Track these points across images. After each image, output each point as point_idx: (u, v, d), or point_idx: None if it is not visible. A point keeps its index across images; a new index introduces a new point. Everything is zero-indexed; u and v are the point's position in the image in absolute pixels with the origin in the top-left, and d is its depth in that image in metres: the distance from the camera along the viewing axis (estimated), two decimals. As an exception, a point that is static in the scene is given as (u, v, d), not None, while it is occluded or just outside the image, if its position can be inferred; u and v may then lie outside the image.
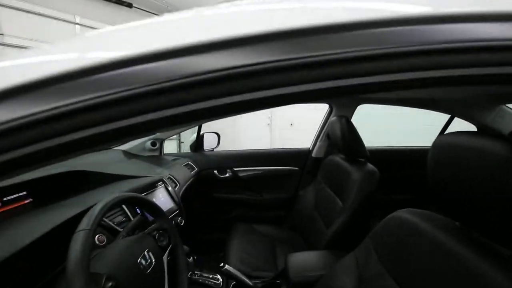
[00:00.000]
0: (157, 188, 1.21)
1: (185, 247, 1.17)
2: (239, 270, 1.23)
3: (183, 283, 0.79)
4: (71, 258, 0.49)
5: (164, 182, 1.27)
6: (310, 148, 1.94)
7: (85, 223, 0.55)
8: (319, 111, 2.08)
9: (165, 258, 0.77)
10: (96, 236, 0.84)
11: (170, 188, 1.29)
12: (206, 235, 2.01)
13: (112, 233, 0.86)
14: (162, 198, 1.20)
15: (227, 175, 1.90)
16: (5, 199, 0.90)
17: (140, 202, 0.76)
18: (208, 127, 2.09)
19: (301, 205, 1.75)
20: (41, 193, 0.99)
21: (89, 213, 0.58)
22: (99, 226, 0.89)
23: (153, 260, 0.69)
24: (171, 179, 1.43)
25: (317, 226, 1.44)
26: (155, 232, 0.78)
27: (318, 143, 1.89)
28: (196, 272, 1.21)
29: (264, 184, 1.92)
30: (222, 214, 1.98)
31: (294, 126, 5.02)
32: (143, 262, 0.66)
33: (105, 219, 0.88)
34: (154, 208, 0.82)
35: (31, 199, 0.97)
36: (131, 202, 0.72)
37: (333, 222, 1.26)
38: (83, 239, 0.52)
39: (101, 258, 0.61)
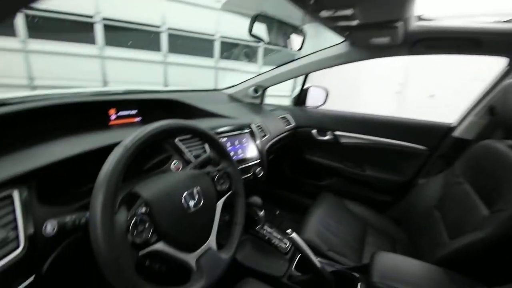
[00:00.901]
0: (242, 132, 1.14)
1: (257, 199, 1.09)
2: (312, 244, 1.06)
3: (234, 237, 0.70)
4: (102, 170, 0.45)
5: (251, 129, 1.19)
6: (454, 125, 1.37)
7: (129, 140, 0.50)
8: (481, 82, 1.31)
9: (219, 203, 0.69)
10: (172, 163, 0.86)
11: (256, 136, 1.19)
12: (288, 196, 1.90)
13: (187, 164, 0.86)
14: (245, 144, 1.12)
15: (327, 137, 1.64)
16: (119, 113, 1.04)
17: (202, 136, 0.68)
18: (319, 82, 1.83)
19: (417, 197, 1.32)
20: (147, 113, 1.11)
21: (138, 130, 0.52)
22: (178, 153, 0.92)
23: (201, 201, 0.61)
24: (260, 127, 1.33)
25: (434, 230, 1.03)
26: (215, 173, 0.70)
27: (469, 118, 1.29)
28: (266, 227, 1.13)
29: (370, 157, 1.55)
30: (311, 179, 1.79)
31: (436, 98, 3.85)
32: (188, 198, 0.59)
33: (183, 148, 0.88)
34: (219, 147, 0.72)
35: (140, 118, 1.10)
36: (190, 132, 0.64)
37: (463, 234, 0.84)
38: (119, 155, 0.47)
39: (149, 183, 0.57)
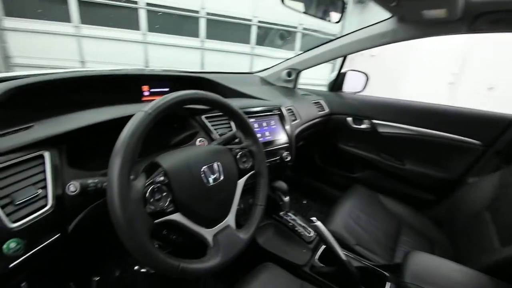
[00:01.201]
0: (271, 114, 1.09)
1: (283, 184, 1.05)
2: (338, 236, 1.00)
3: (254, 218, 0.67)
4: (121, 134, 0.45)
5: (280, 111, 1.13)
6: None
7: (149, 106, 0.49)
8: None
9: (241, 182, 0.66)
10: (198, 140, 0.85)
11: (286, 120, 1.14)
12: (317, 186, 1.82)
13: (212, 141, 0.84)
14: (273, 126, 1.08)
15: (363, 126, 1.52)
16: (152, 90, 1.06)
17: (226, 110, 0.64)
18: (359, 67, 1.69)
19: (465, 197, 1.17)
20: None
21: (160, 98, 0.51)
22: (204, 130, 0.91)
23: (221, 176, 0.59)
24: (291, 111, 1.27)
25: (483, 235, 0.91)
26: (238, 150, 0.67)
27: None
28: (290, 214, 1.09)
29: (412, 150, 1.41)
30: (343, 169, 1.69)
31: (496, 91, 3.37)
32: (208, 172, 0.57)
33: (209, 125, 0.87)
34: (243, 123, 0.69)
35: None
36: (213, 104, 0.61)
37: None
38: (139, 119, 0.46)
39: (170, 154, 0.56)
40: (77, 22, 4.18)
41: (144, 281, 1.13)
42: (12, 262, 0.44)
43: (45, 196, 0.50)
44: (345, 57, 1.54)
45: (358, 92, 1.66)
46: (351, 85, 1.68)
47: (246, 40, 5.43)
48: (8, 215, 0.44)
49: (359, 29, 1.32)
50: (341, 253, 0.80)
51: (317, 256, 0.95)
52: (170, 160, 0.54)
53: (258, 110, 1.04)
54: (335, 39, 1.42)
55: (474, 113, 1.26)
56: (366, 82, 1.68)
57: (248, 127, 0.70)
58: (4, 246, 0.43)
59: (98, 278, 1.08)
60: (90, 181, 0.47)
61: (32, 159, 0.51)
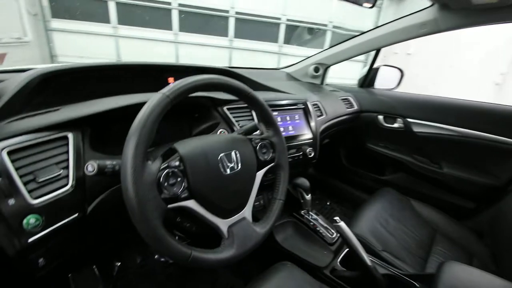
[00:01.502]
0: (296, 107, 1.05)
1: (305, 181, 1.01)
2: (363, 240, 0.93)
3: (273, 212, 0.64)
4: (137, 116, 0.44)
5: (306, 105, 1.09)
6: None
7: (167, 88, 0.47)
8: None
9: (260, 174, 0.63)
10: (219, 131, 0.84)
11: (311, 115, 1.09)
12: (343, 188, 1.73)
13: (232, 131, 0.83)
14: (297, 121, 1.04)
15: (396, 125, 1.41)
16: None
17: (246, 98, 0.62)
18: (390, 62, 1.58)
19: (512, 206, 1.03)
20: None
21: (179, 81, 0.50)
22: (225, 121, 0.89)
23: (239, 166, 0.57)
24: (317, 106, 1.21)
25: None
26: (258, 141, 0.64)
27: None
28: (312, 213, 1.04)
29: (451, 153, 1.28)
30: (372, 171, 1.58)
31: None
32: (225, 160, 0.55)
33: (230, 117, 0.85)
34: (264, 113, 0.66)
35: None
36: (232, 90, 0.59)
37: None
38: (156, 101, 0.45)
39: (188, 141, 0.55)
40: (115, 23, 4.44)
41: (164, 270, 1.14)
42: (31, 237, 0.45)
43: (67, 176, 0.51)
44: (378, 51, 1.45)
45: (393, 89, 1.56)
46: (383, 82, 1.58)
47: (273, 39, 5.40)
48: (30, 191, 0.46)
49: (394, 20, 1.23)
50: (366, 257, 0.73)
51: (339, 259, 0.89)
52: (187, 146, 0.53)
53: (282, 104, 1.00)
54: (367, 31, 1.34)
55: None
56: (400, 79, 1.57)
57: (269, 117, 0.67)
58: (24, 221, 0.44)
59: (120, 264, 1.12)
60: (108, 162, 0.47)
61: (56, 139, 0.52)
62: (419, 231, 1.09)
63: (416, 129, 1.35)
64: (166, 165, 0.47)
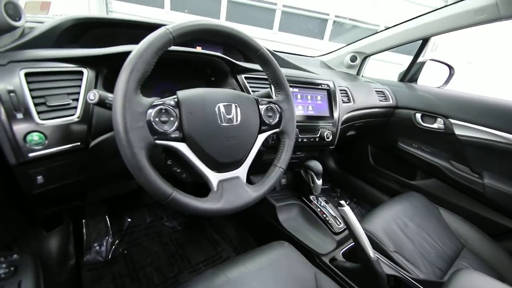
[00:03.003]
0: (319, 88, 0.99)
1: (318, 164, 0.95)
2: (374, 237, 0.86)
3: (269, 178, 0.60)
4: (136, 47, 0.44)
5: (330, 87, 1.02)
6: None
7: (172, 25, 0.47)
8: None
9: (261, 136, 0.60)
10: None
11: (336, 98, 1.02)
12: (365, 188, 1.61)
13: None
14: (318, 101, 0.98)
15: (435, 125, 1.27)
16: (203, 50, 1.08)
17: (257, 55, 0.59)
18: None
19: None
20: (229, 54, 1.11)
21: (185, 21, 0.49)
22: (240, 89, 0.87)
23: (237, 121, 0.55)
24: (345, 92, 1.14)
25: None
26: (264, 102, 0.62)
27: None
28: (321, 199, 0.99)
29: (496, 162, 1.11)
30: (400, 174, 1.45)
31: None
32: (223, 110, 0.53)
33: (247, 85, 0.83)
34: (276, 75, 0.62)
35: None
36: (241, 44, 0.56)
37: None
38: (157, 34, 0.45)
39: (190, 89, 0.54)
40: (168, 9, 4.69)
41: (170, 234, 1.18)
42: (32, 153, 0.48)
43: (75, 107, 0.54)
44: (424, 42, 1.30)
45: (440, 87, 1.40)
46: (429, 78, 1.43)
47: (318, 35, 5.25)
48: (38, 112, 0.49)
49: (444, 6, 1.09)
50: (370, 249, 0.67)
51: (342, 251, 0.83)
52: (186, 91, 0.52)
53: (303, 81, 0.95)
54: (413, 18, 1.22)
55: None
56: (450, 76, 1.41)
57: (280, 80, 0.63)
58: (28, 137, 0.47)
59: (130, 220, 1.18)
60: (110, 95, 0.48)
61: (72, 72, 0.55)
62: (443, 241, 0.97)
63: (458, 131, 1.19)
64: (161, 102, 0.47)
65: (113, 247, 1.06)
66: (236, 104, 0.55)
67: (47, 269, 0.86)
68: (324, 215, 0.92)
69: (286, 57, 1.19)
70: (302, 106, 0.94)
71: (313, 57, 1.71)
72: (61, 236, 0.91)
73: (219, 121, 0.52)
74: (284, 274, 0.64)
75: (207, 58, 0.80)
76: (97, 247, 1.04)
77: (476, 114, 1.14)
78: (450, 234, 1.01)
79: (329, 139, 0.95)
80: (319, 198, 0.98)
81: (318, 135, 0.95)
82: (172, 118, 0.47)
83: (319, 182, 0.94)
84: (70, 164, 0.56)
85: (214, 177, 0.53)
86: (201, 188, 0.55)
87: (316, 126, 0.95)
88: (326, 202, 0.98)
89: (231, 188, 0.54)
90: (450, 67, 1.40)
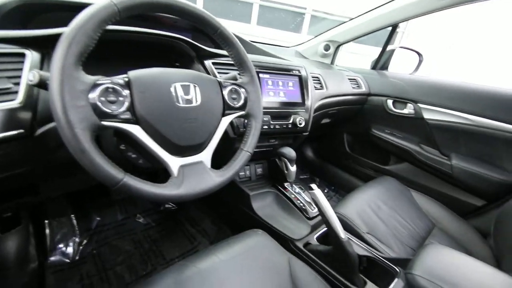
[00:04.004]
0: (291, 74, 0.98)
1: (291, 151, 0.94)
2: (348, 220, 0.86)
3: (236, 163, 0.58)
4: (76, 17, 0.40)
5: (301, 74, 1.01)
6: None
7: None
8: None
9: (225, 119, 0.58)
10: None
11: (308, 85, 1.01)
12: (342, 176, 1.64)
13: None
14: (290, 88, 0.97)
15: (406, 111, 1.30)
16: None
17: (218, 34, 0.56)
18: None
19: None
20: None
21: None
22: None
23: (197, 102, 0.52)
24: (317, 78, 1.14)
25: None
26: (228, 84, 0.59)
27: None
28: (295, 186, 0.99)
29: (464, 144, 1.15)
30: (374, 160, 1.48)
31: None
32: (180, 91, 0.49)
33: (215, 71, 0.80)
34: (239, 56, 0.60)
35: None
36: (198, 21, 0.53)
37: None
38: (100, 5, 0.41)
39: (143, 69, 0.50)
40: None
41: (143, 231, 1.13)
42: None
43: (17, 92, 0.49)
44: (393, 29, 1.33)
45: (410, 73, 1.44)
46: (399, 65, 1.46)
47: (297, 29, 5.26)
48: None
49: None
50: (341, 231, 0.66)
51: (316, 235, 0.82)
52: (139, 71, 0.48)
53: (274, 67, 0.93)
54: (382, 5, 1.23)
55: None
56: (419, 63, 1.45)
57: (244, 60, 0.61)
58: None
59: (99, 219, 1.12)
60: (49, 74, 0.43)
61: (13, 54, 0.50)
62: (415, 221, 1.00)
63: (427, 116, 1.23)
64: (108, 80, 0.43)
65: (81, 247, 1.00)
66: (195, 85, 0.52)
67: (4, 272, 0.79)
68: (298, 201, 0.91)
69: (260, 46, 1.17)
70: (274, 92, 0.92)
71: (288, 47, 1.70)
72: (19, 238, 0.85)
73: (175, 102, 0.49)
74: (257, 262, 0.62)
75: (171, 41, 0.76)
76: (63, 248, 0.98)
77: (443, 98, 1.17)
78: (421, 215, 1.04)
79: (301, 125, 0.94)
80: (294, 185, 0.98)
81: (290, 122, 0.94)
82: (121, 98, 0.43)
83: (293, 168, 0.93)
84: (13, 153, 0.50)
85: (174, 162, 0.49)
86: (165, 175, 0.51)
87: (288, 113, 0.94)
88: (301, 189, 0.97)
89: (193, 173, 0.51)
90: (419, 54, 1.43)
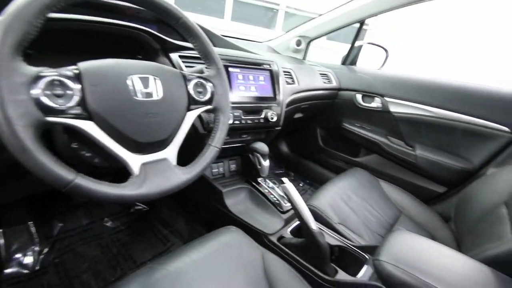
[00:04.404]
0: (261, 68, 0.97)
1: (264, 146, 0.94)
2: (320, 211, 0.87)
3: (203, 159, 0.56)
4: (10, 6, 0.36)
5: (272, 68, 1.00)
6: None
7: None
8: None
9: (191, 114, 0.55)
10: None
11: (279, 80, 1.01)
12: (316, 169, 1.67)
13: None
14: (262, 82, 0.96)
15: (374, 105, 1.35)
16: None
17: (178, 23, 0.53)
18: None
19: (481, 190, 0.98)
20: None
21: None
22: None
23: (158, 95, 0.49)
24: (289, 73, 1.14)
25: (494, 231, 0.74)
26: (192, 77, 0.57)
27: None
28: (268, 181, 0.98)
29: (426, 135, 1.22)
30: (346, 152, 1.52)
31: None
32: (139, 84, 0.46)
33: (182, 65, 0.77)
34: (204, 47, 0.57)
35: None
36: (154, 8, 0.50)
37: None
38: None
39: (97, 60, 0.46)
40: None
41: (111, 235, 1.08)
42: None
43: None
44: (361, 25, 1.37)
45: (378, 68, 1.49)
46: (367, 60, 1.51)
47: (272, 25, 5.28)
48: None
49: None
50: (312, 222, 0.67)
51: (289, 228, 0.83)
52: (91, 62, 0.44)
53: (245, 61, 0.92)
54: (351, 1, 1.26)
55: (504, 94, 1.05)
56: (386, 58, 1.50)
57: (209, 52, 0.59)
58: None
59: (62, 225, 1.05)
60: None
61: None
62: (384, 210, 1.04)
63: (393, 109, 1.29)
64: (54, 72, 0.39)
65: (41, 256, 0.92)
66: (156, 77, 0.49)
67: None
68: (272, 196, 0.92)
69: (231, 41, 1.15)
70: (245, 87, 0.91)
71: (261, 42, 1.69)
72: None
73: (133, 95, 0.46)
74: (230, 259, 0.61)
75: (132, 32, 0.72)
76: (20, 258, 0.90)
77: (406, 91, 1.23)
78: (389, 203, 1.09)
79: (274, 120, 0.94)
80: (267, 180, 0.98)
81: (262, 116, 0.94)
82: (69, 92, 0.39)
83: (266, 163, 0.93)
84: None
85: (134, 160, 0.46)
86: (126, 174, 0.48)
87: (260, 107, 0.94)
88: (274, 183, 0.98)
89: (157, 171, 0.48)
90: (386, 50, 1.49)
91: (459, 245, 0.90)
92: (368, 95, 1.36)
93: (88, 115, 0.41)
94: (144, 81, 0.47)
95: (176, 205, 1.21)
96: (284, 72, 1.11)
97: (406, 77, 1.27)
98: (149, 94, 0.48)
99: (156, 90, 0.49)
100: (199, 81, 0.57)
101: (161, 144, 0.51)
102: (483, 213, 0.85)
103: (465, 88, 1.12)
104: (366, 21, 1.33)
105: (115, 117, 0.44)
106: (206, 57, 0.59)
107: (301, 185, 1.68)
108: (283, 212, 0.88)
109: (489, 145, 1.06)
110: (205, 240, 0.65)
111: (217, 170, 1.04)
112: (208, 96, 0.58)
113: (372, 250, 0.73)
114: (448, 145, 1.17)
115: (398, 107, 1.27)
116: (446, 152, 1.17)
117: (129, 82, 0.45)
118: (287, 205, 0.90)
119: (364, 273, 0.71)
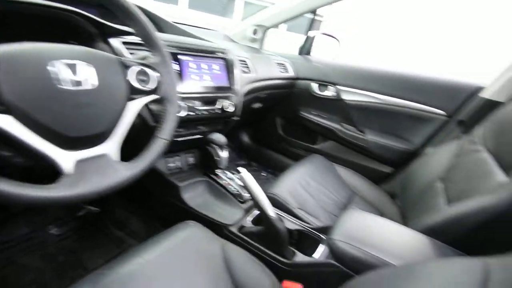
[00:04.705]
0: (215, 56, 0.94)
1: (221, 137, 0.92)
2: (279, 198, 0.89)
3: (150, 152, 0.53)
4: None
5: (226, 56, 0.98)
6: (483, 85, 1.08)
7: None
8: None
9: (134, 104, 0.51)
10: None
11: (235, 69, 0.99)
12: (277, 158, 1.71)
13: None
14: (216, 72, 0.93)
15: (328, 93, 1.41)
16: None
17: (116, 7, 0.48)
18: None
19: (420, 168, 1.09)
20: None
21: None
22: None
23: (91, 82, 0.44)
24: (245, 63, 1.12)
25: (431, 203, 0.83)
26: (132, 64, 0.52)
27: (506, 76, 1.00)
28: (227, 172, 0.97)
29: (374, 120, 1.31)
30: (304, 140, 1.58)
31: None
32: (64, 71, 0.41)
33: (124, 52, 0.70)
34: (146, 33, 0.53)
35: None
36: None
37: (467, 200, 0.63)
38: None
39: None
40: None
41: (56, 243, 0.98)
42: None
43: None
44: (314, 15, 1.40)
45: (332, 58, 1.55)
46: (321, 50, 1.56)
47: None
48: None
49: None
50: (270, 209, 0.68)
51: (249, 218, 0.83)
52: (4, 46, 0.38)
53: (196, 48, 0.88)
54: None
55: (441, 81, 1.17)
56: (338, 48, 1.57)
57: (151, 38, 0.55)
58: None
59: None
60: None
61: None
62: (339, 192, 1.10)
63: (345, 97, 1.35)
64: None
65: (-28, 274, 0.81)
66: (88, 64, 0.44)
67: None
68: (231, 187, 0.91)
69: (184, 27, 1.09)
70: (198, 76, 0.87)
71: (217, 30, 1.64)
72: None
73: (56, 84, 0.40)
74: (189, 255, 0.59)
75: (63, 15, 0.64)
76: None
77: (356, 80, 1.31)
78: (344, 186, 1.15)
79: (230, 110, 0.92)
80: (227, 171, 0.97)
81: (218, 107, 0.91)
82: None
83: (224, 154, 0.92)
84: None
85: (65, 157, 0.41)
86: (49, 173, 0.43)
87: (215, 97, 0.91)
88: (233, 174, 0.97)
89: (94, 169, 0.44)
90: (337, 39, 1.56)
91: (404, 219, 0.99)
92: (323, 84, 1.42)
93: (4, 108, 0.35)
94: (71, 67, 0.42)
95: (131, 204, 1.13)
96: (240, 61, 1.09)
97: (356, 66, 1.34)
98: (78, 83, 0.42)
99: (88, 78, 0.44)
100: (141, 69, 0.53)
101: (99, 138, 0.46)
102: (422, 189, 0.95)
103: (407, 76, 1.22)
104: (321, 13, 1.37)
105: (37, 108, 0.38)
106: (148, 42, 0.55)
107: (263, 174, 1.70)
108: (243, 202, 0.88)
109: (428, 127, 1.18)
110: (161, 238, 0.62)
111: (173, 164, 0.99)
112: (153, 85, 0.54)
113: (328, 230, 0.77)
114: (393, 129, 1.28)
115: (350, 95, 1.34)
116: (392, 135, 1.28)
117: (51, 68, 0.40)
118: (247, 195, 0.90)
119: (321, 253, 0.74)
